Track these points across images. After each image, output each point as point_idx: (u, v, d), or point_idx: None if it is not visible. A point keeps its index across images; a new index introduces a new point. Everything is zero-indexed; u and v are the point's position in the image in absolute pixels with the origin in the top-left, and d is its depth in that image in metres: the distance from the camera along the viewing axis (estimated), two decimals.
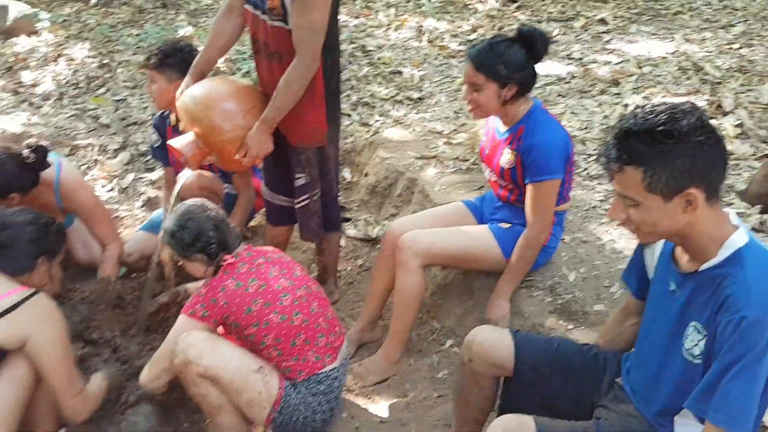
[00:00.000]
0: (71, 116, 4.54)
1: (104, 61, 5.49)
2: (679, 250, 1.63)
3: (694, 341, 1.54)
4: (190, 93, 2.57)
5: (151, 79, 3.05)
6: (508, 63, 2.36)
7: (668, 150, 1.43)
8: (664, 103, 1.50)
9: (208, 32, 2.82)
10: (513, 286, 2.58)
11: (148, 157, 4.16)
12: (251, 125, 2.49)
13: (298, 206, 2.73)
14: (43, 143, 2.65)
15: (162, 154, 3.34)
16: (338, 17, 2.56)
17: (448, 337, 2.78)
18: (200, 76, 2.69)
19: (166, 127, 3.28)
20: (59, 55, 5.69)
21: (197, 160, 2.57)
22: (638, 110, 1.51)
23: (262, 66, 2.61)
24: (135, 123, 4.50)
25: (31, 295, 2.02)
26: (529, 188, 2.46)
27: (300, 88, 2.44)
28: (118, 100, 4.77)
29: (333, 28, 2.52)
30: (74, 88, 4.99)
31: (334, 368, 2.30)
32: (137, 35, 6.16)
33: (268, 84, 2.57)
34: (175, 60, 2.98)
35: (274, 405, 2.19)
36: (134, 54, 5.63)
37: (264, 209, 3.46)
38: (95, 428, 2.35)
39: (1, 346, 1.95)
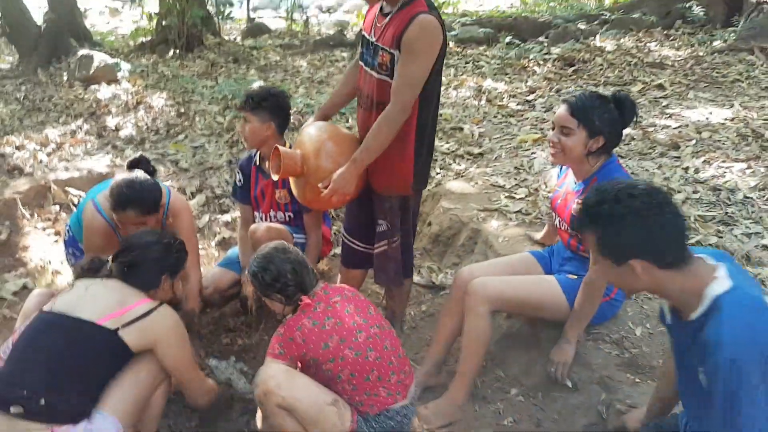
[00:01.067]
0: (153, 160, 4.80)
1: (181, 110, 5.83)
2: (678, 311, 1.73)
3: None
4: (307, 129, 2.84)
5: (246, 120, 3.27)
6: (602, 116, 2.49)
7: (615, 222, 1.62)
8: (624, 182, 1.71)
9: (285, 86, 3.05)
10: (578, 330, 2.64)
11: (222, 200, 4.39)
12: (341, 165, 2.65)
13: (376, 251, 2.86)
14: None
15: (242, 194, 3.55)
16: (441, 74, 2.66)
17: (513, 386, 2.83)
18: (323, 118, 2.97)
19: (250, 168, 3.50)
20: (138, 103, 6.07)
21: (288, 170, 2.74)
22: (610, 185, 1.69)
23: (362, 117, 2.78)
24: (211, 168, 4.76)
25: (158, 305, 2.28)
26: None
27: (389, 134, 2.57)
28: (195, 147, 5.06)
29: (434, 84, 2.60)
30: (155, 134, 5.32)
31: (404, 405, 2.39)
32: (211, 87, 6.53)
33: (365, 132, 2.72)
34: (268, 104, 3.23)
35: None
36: (209, 104, 5.98)
37: (327, 255, 3.64)
38: None
39: (131, 348, 2.18)
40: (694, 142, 4.69)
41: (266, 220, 3.47)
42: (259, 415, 2.53)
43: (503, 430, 2.67)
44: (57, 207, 4.28)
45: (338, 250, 3.76)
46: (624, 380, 2.52)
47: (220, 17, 8.82)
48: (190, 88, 6.49)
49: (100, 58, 6.94)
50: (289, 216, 3.45)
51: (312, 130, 2.81)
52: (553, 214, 2.86)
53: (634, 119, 2.55)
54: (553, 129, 2.62)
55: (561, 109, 2.57)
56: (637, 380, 2.51)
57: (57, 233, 4.09)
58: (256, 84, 6.28)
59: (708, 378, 1.57)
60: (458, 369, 2.75)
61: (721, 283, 1.62)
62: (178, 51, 7.75)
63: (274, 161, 2.79)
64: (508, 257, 2.97)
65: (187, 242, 3.09)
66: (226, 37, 8.89)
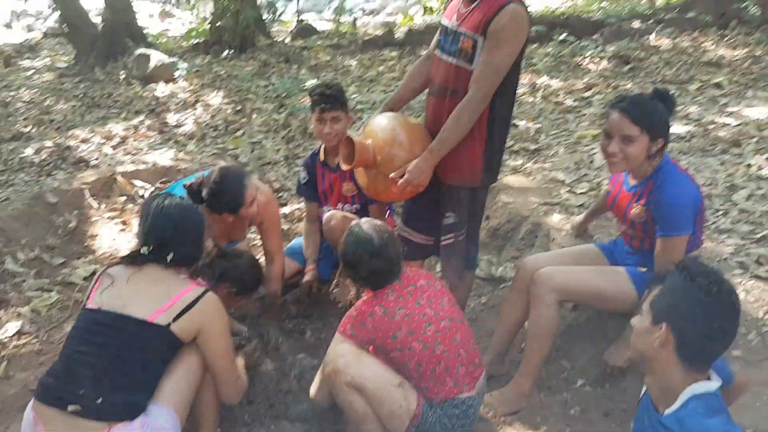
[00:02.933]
0: (213, 154, 4.95)
1: (237, 108, 5.96)
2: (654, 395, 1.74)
3: None
4: (377, 118, 2.82)
5: (336, 120, 3.27)
6: (660, 117, 2.45)
7: (689, 310, 1.60)
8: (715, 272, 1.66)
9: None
10: None
11: (281, 193, 4.47)
12: (416, 155, 2.64)
13: (443, 243, 2.85)
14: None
15: (307, 190, 3.61)
16: (520, 68, 2.64)
17: (580, 377, 2.82)
18: (390, 111, 2.93)
19: (315, 165, 3.56)
20: (196, 101, 6.22)
21: (362, 160, 2.71)
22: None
23: (432, 104, 2.77)
24: (269, 162, 4.86)
25: (204, 292, 2.17)
26: (659, 241, 2.49)
27: (468, 123, 2.56)
28: (254, 142, 5.17)
29: (512, 77, 2.58)
30: (214, 130, 5.44)
31: (471, 396, 2.39)
32: (265, 86, 6.65)
33: (436, 121, 2.71)
34: (345, 97, 3.31)
35: (413, 420, 2.31)
36: (264, 103, 6.09)
37: None
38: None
39: (181, 339, 2.14)
40: (756, 139, 4.61)
41: None
42: (315, 381, 2.53)
43: (570, 420, 2.66)
44: (123, 198, 4.41)
45: None
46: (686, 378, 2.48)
47: (271, 18, 8.97)
48: (245, 87, 6.62)
49: (157, 57, 7.13)
50: (356, 208, 3.49)
51: (382, 120, 2.78)
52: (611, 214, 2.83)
53: (673, 110, 2.52)
54: (607, 137, 2.51)
55: (616, 117, 2.45)
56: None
57: (124, 223, 4.22)
58: (311, 83, 6.37)
59: None
60: (524, 358, 2.76)
61: (704, 383, 1.63)
62: (231, 51, 7.90)
63: (345, 151, 2.76)
64: (572, 248, 2.97)
65: (274, 229, 3.20)
66: (277, 39, 9.03)
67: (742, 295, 2.80)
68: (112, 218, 4.25)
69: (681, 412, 1.62)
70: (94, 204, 4.29)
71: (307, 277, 3.41)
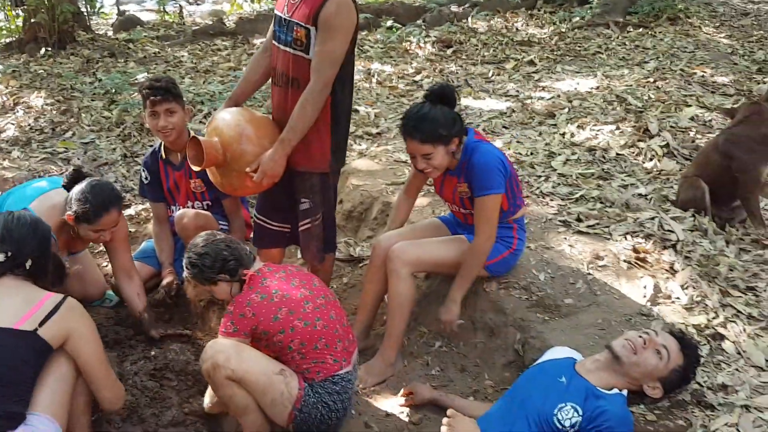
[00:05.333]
0: (42, 159, 4.66)
1: (63, 108, 5.62)
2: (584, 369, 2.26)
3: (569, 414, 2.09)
4: (221, 114, 2.84)
5: (170, 112, 3.23)
6: (444, 124, 2.67)
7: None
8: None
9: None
10: (464, 291, 2.90)
11: (122, 195, 4.32)
12: (266, 147, 2.71)
13: (301, 229, 2.95)
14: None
15: (151, 191, 3.53)
16: (354, 54, 2.77)
17: (437, 339, 3.07)
18: (234, 106, 2.94)
19: (157, 163, 3.49)
20: (16, 104, 5.78)
21: (211, 160, 2.73)
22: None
23: (277, 95, 2.84)
24: (106, 163, 4.67)
25: (63, 299, 2.15)
26: (475, 202, 2.80)
27: (313, 111, 2.67)
28: (86, 143, 4.92)
29: (348, 63, 2.71)
30: (39, 134, 5.11)
31: (348, 371, 2.54)
32: (91, 83, 6.32)
33: (281, 110, 2.81)
34: (179, 90, 3.28)
35: (295, 404, 2.41)
36: (93, 100, 5.79)
37: (249, 238, 3.70)
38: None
39: (50, 344, 2.09)
40: (566, 110, 5.16)
41: None
42: (208, 393, 2.60)
43: (431, 379, 2.91)
44: None
45: None
46: (535, 320, 2.83)
47: (90, 11, 8.45)
48: (69, 85, 6.24)
49: None
50: (207, 204, 3.48)
51: (226, 116, 2.81)
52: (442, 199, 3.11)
53: (457, 97, 2.80)
54: (412, 157, 2.80)
55: (409, 143, 2.75)
56: (546, 318, 2.83)
57: None
58: (141, 76, 6.14)
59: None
60: (387, 330, 2.96)
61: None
62: (49, 49, 7.36)
63: (192, 152, 2.77)
64: (418, 223, 3.21)
65: (122, 246, 3.18)
66: (99, 32, 8.54)
67: (567, 249, 3.19)
68: None
69: (617, 398, 2.13)
70: None
71: (167, 279, 3.38)
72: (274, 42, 2.80)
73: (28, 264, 2.16)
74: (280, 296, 2.43)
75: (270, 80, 2.93)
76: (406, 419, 2.70)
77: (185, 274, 2.58)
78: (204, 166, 2.74)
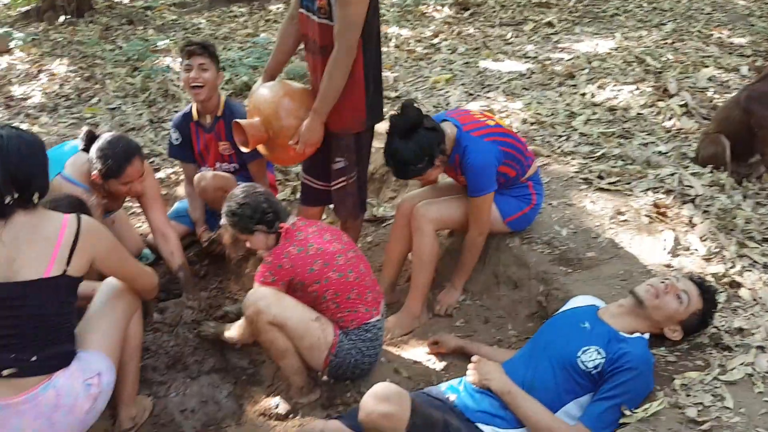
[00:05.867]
0: (70, 125, 4.76)
1: (87, 75, 5.71)
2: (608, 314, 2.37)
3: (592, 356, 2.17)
4: (259, 90, 2.94)
5: (203, 68, 3.33)
6: (415, 158, 2.78)
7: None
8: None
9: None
10: (464, 279, 3.11)
11: (151, 159, 4.43)
12: (304, 118, 2.80)
13: (334, 188, 3.03)
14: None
15: (182, 151, 3.63)
16: (378, 11, 2.81)
17: (461, 293, 3.17)
18: (270, 78, 3.04)
19: (188, 125, 3.58)
20: (39, 71, 5.87)
21: (256, 140, 2.86)
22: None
23: (311, 61, 2.90)
24: (133, 128, 4.76)
25: (79, 220, 2.05)
26: (469, 200, 2.91)
27: (341, 77, 2.72)
28: (112, 109, 5.02)
29: (373, 21, 2.74)
30: (65, 100, 5.21)
31: (378, 320, 2.68)
32: (111, 50, 6.39)
33: (315, 77, 2.87)
34: (215, 53, 3.37)
35: (331, 349, 2.55)
36: (115, 67, 5.87)
37: None
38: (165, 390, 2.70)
39: (80, 277, 2.05)
40: (586, 70, 5.17)
41: None
42: (237, 324, 2.72)
43: (456, 331, 3.02)
44: None
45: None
46: (558, 272, 2.91)
47: None
48: (90, 52, 6.31)
49: None
50: (235, 167, 3.57)
51: (265, 92, 2.90)
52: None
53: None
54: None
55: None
56: (569, 271, 2.91)
57: None
58: (162, 43, 6.21)
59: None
60: (412, 285, 3.07)
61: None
62: (68, 17, 7.43)
63: (239, 136, 2.89)
64: (441, 183, 3.28)
65: (155, 201, 3.27)
66: (116, 0, 8.58)
67: (589, 206, 3.27)
68: None
69: (639, 340, 2.22)
70: None
71: (203, 238, 3.49)
72: (301, 10, 2.83)
73: (35, 197, 2.02)
74: (315, 249, 2.54)
75: (303, 46, 2.98)
76: (434, 366, 2.82)
77: (223, 221, 2.68)
78: (251, 147, 2.88)
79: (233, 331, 2.72)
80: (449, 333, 2.98)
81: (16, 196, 1.95)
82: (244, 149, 2.91)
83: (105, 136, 3.01)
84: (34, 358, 1.97)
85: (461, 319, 3.08)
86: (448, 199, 3.07)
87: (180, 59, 3.47)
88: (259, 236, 2.62)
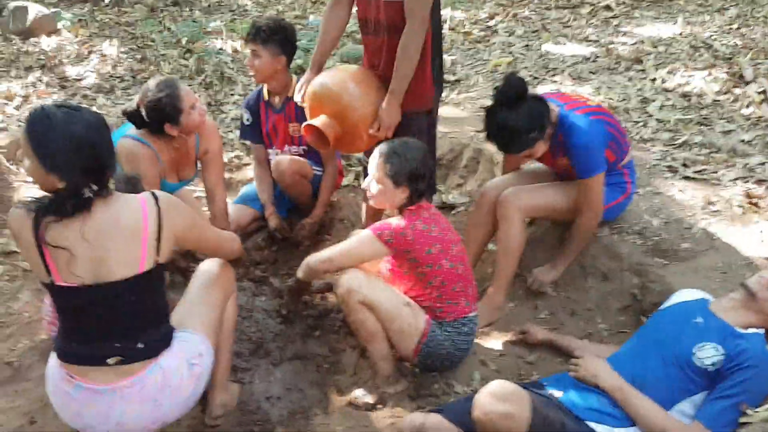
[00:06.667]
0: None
1: (137, 56, 5.65)
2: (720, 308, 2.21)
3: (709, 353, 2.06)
4: (318, 82, 2.80)
5: (255, 54, 3.24)
6: (529, 127, 2.62)
7: None
8: None
9: (244, 27, 2.88)
10: (568, 262, 2.96)
11: None
12: (376, 100, 2.72)
13: None
14: None
15: (251, 132, 3.56)
16: None
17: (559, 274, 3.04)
18: (319, 69, 2.93)
19: (259, 105, 3.50)
20: (90, 52, 5.82)
21: (336, 137, 2.75)
22: None
23: (373, 43, 2.81)
24: None
25: (156, 201, 1.91)
26: (579, 183, 2.77)
27: (416, 53, 2.64)
28: None
29: None
30: (120, 81, 5.15)
31: (475, 315, 2.59)
32: (160, 32, 6.32)
33: (377, 58, 2.79)
34: (279, 37, 3.23)
35: (422, 338, 2.47)
36: (166, 49, 5.80)
37: (340, 185, 3.72)
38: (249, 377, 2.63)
39: (166, 261, 1.96)
40: (653, 55, 5.00)
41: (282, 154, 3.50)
42: (321, 254, 2.56)
43: (541, 323, 2.91)
44: None
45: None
46: (653, 264, 2.80)
47: None
48: (139, 33, 6.25)
49: (36, 9, 6.54)
50: (304, 149, 3.49)
51: (328, 84, 2.77)
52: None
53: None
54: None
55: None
56: (665, 263, 2.79)
57: None
58: (213, 25, 6.13)
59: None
60: (496, 274, 2.96)
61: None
62: None
63: (312, 137, 2.80)
64: (524, 169, 3.16)
65: (217, 158, 3.14)
66: None
67: (677, 195, 3.14)
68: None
69: (756, 336, 2.09)
70: (13, 168, 4.00)
71: (272, 223, 3.42)
72: None
73: (111, 184, 1.89)
74: (437, 232, 2.44)
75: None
76: (521, 359, 2.72)
77: (379, 160, 2.46)
78: (332, 147, 2.82)
79: (314, 259, 2.54)
80: (533, 322, 2.89)
81: (95, 188, 1.79)
82: (324, 150, 2.83)
83: (146, 88, 2.81)
84: (140, 345, 1.91)
85: (545, 310, 2.98)
86: (538, 187, 2.95)
87: (230, 40, 3.37)
88: (398, 194, 2.45)
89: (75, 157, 1.75)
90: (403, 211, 2.48)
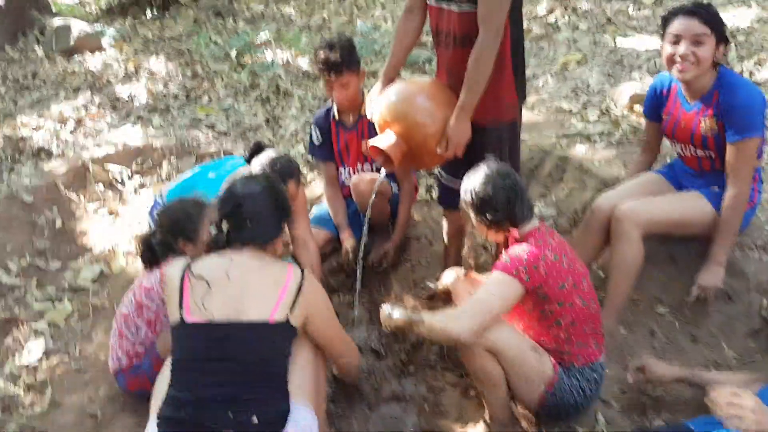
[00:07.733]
0: (186, 126, 4.52)
1: (187, 72, 5.48)
2: None
3: None
4: (386, 97, 2.59)
5: (343, 86, 3.06)
6: (722, 20, 2.45)
7: None
8: None
9: (293, 37, 2.73)
10: (728, 251, 2.60)
11: None
12: (447, 116, 2.48)
13: None
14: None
15: (322, 151, 3.36)
16: None
17: (659, 306, 2.79)
18: (390, 81, 2.71)
19: (329, 123, 3.30)
20: (137, 69, 5.68)
21: (398, 157, 2.54)
22: None
23: (447, 56, 2.59)
24: (250, 128, 4.50)
25: (303, 274, 2.02)
26: (730, 148, 2.49)
27: (488, 64, 2.40)
28: (225, 109, 4.76)
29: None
30: (174, 100, 4.98)
31: (604, 359, 2.32)
32: (205, 45, 6.15)
33: (451, 71, 2.56)
34: (355, 57, 3.06)
35: (547, 386, 2.21)
36: (215, 63, 5.62)
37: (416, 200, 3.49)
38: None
39: (297, 328, 1.98)
40: (734, 46, 4.66)
41: (354, 174, 3.30)
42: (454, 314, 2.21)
43: (658, 352, 2.63)
44: (100, 186, 3.99)
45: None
46: None
47: None
48: (185, 48, 6.09)
49: (79, 26, 6.45)
50: (377, 167, 3.27)
51: (394, 100, 2.56)
52: (671, 142, 2.78)
53: None
54: (674, 43, 2.48)
55: (686, 20, 2.44)
56: None
57: (110, 212, 3.82)
58: (261, 36, 5.94)
59: None
60: (608, 296, 2.68)
61: None
62: (154, 12, 7.25)
63: (379, 157, 2.59)
64: (637, 180, 2.87)
65: (302, 211, 3.04)
66: None
67: None
68: (96, 210, 3.84)
69: None
70: (74, 197, 3.85)
71: (347, 245, 3.21)
72: (431, 2, 2.53)
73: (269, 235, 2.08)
74: (567, 263, 2.18)
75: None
76: (646, 395, 2.46)
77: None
78: (398, 167, 2.62)
79: (460, 325, 2.09)
80: (650, 353, 2.61)
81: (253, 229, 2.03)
82: (388, 169, 2.62)
83: (267, 154, 2.84)
84: (255, 419, 1.74)
85: (663, 337, 2.70)
86: (658, 199, 2.68)
87: (279, 50, 3.14)
88: (498, 228, 2.27)
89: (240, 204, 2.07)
90: (525, 236, 2.23)
